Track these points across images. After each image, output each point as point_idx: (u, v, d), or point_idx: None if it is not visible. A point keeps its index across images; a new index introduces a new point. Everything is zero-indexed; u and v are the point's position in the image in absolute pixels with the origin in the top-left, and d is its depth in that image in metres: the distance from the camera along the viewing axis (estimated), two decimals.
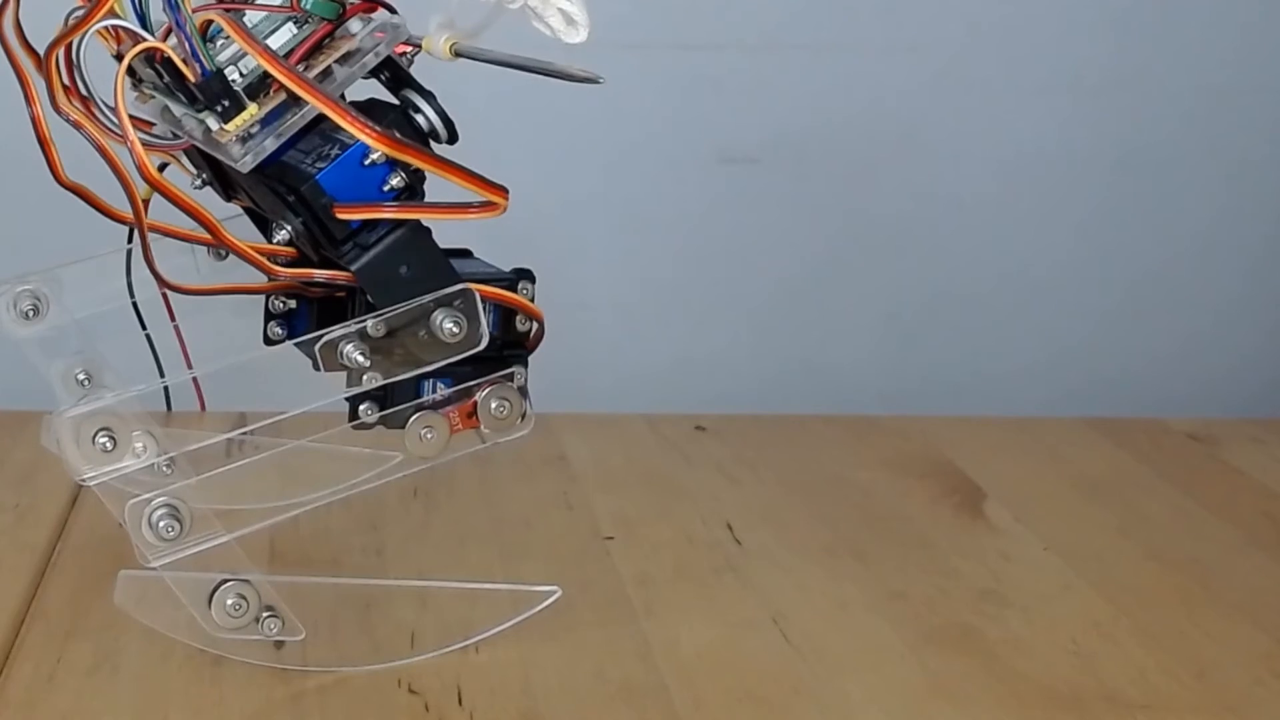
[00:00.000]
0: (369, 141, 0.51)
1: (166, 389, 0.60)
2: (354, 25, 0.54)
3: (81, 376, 0.62)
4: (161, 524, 0.53)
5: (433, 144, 0.55)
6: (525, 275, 0.58)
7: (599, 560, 0.70)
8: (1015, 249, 1.02)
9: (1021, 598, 0.68)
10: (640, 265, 0.98)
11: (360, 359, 0.54)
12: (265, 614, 0.56)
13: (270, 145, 0.52)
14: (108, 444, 0.52)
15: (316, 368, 0.55)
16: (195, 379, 0.58)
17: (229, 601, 0.55)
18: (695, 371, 1.00)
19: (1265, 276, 1.05)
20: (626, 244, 0.97)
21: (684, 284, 0.99)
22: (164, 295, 0.57)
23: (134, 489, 0.53)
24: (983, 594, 0.68)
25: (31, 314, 0.61)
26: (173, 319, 0.57)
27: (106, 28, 0.51)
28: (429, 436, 0.57)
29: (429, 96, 0.55)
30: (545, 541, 0.71)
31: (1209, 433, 0.93)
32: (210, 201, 0.56)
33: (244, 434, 0.76)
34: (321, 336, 0.54)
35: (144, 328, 0.60)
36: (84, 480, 0.53)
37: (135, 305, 0.59)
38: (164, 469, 0.53)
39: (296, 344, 0.57)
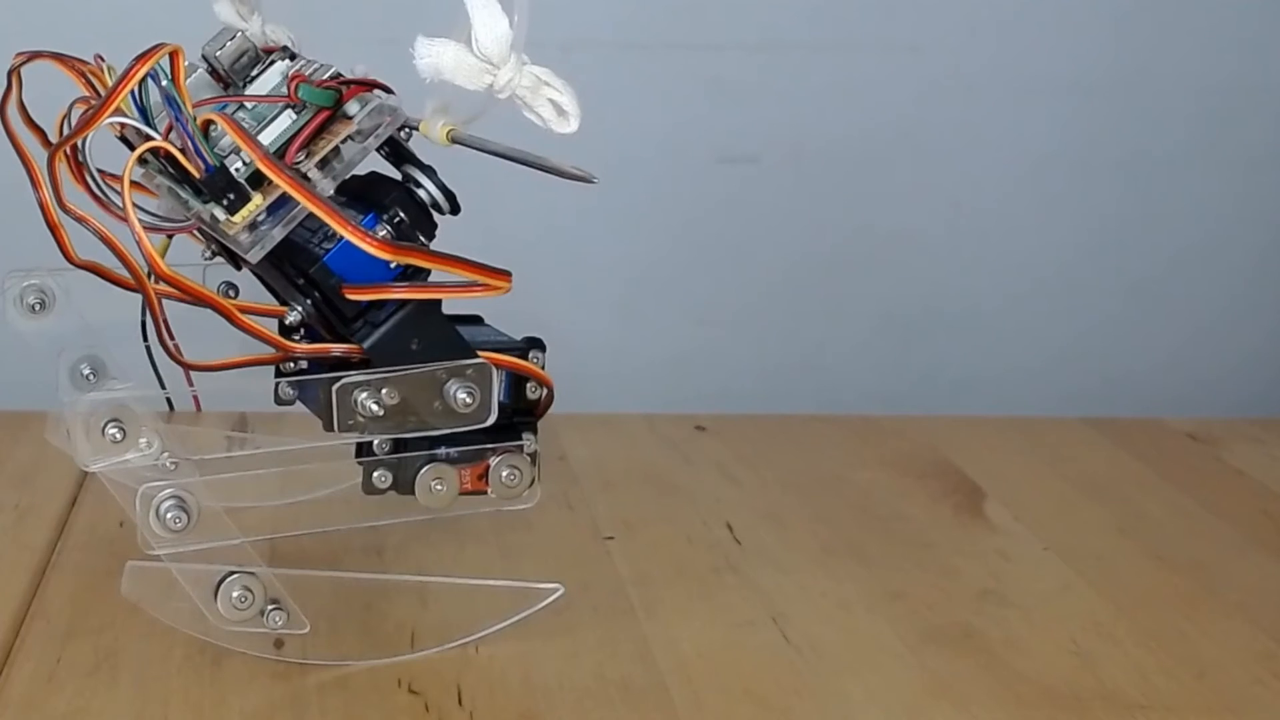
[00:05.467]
0: (369, 250, 0.51)
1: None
2: (352, 108, 0.54)
3: (87, 371, 0.62)
4: (169, 515, 0.53)
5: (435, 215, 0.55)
6: (536, 344, 0.59)
7: (599, 560, 0.70)
8: (1015, 249, 1.02)
9: (1021, 598, 0.68)
10: (640, 265, 0.98)
11: (374, 408, 0.54)
12: (270, 607, 0.56)
13: (278, 235, 0.52)
14: (117, 434, 0.53)
15: (327, 427, 0.55)
16: (195, 395, 0.57)
17: (235, 594, 0.55)
18: (694, 371, 1.00)
19: (1265, 277, 1.05)
20: (626, 244, 0.97)
21: (683, 284, 0.99)
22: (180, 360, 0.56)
23: (137, 485, 0.53)
24: (983, 594, 0.68)
25: (38, 307, 0.61)
26: (190, 384, 0.57)
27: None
28: (439, 488, 0.57)
29: (429, 171, 0.55)
30: (545, 541, 0.71)
31: (1209, 433, 0.93)
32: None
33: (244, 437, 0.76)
34: (339, 379, 0.54)
35: (145, 337, 0.59)
36: (89, 469, 0.53)
37: (148, 349, 0.59)
38: (169, 465, 0.53)
39: (307, 401, 0.57)
